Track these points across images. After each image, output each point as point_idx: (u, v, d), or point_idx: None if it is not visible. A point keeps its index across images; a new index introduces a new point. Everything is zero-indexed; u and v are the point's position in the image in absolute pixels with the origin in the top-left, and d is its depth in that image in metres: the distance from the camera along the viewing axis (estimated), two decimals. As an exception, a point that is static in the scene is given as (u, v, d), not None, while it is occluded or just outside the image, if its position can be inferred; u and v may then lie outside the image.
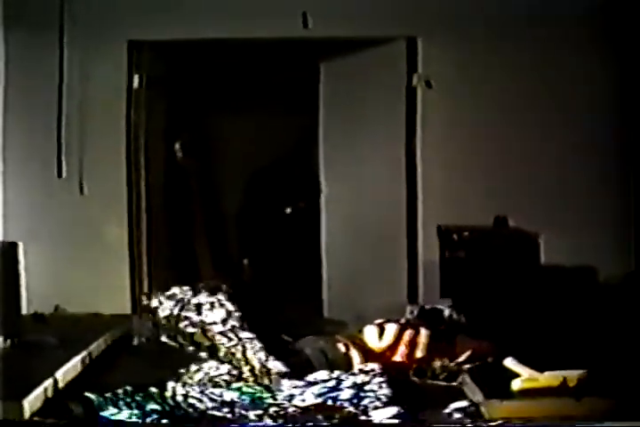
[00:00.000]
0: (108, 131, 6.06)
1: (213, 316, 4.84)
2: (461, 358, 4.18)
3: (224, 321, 4.78)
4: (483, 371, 3.98)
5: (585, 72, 5.92)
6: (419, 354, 4.29)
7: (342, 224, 6.59)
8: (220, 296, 4.95)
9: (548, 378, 3.67)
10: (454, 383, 4.03)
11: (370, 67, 6.33)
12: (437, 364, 4.18)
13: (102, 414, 3.47)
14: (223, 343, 4.62)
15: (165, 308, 5.03)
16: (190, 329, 4.78)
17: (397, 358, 4.27)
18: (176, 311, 4.95)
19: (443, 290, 5.72)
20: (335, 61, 6.66)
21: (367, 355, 4.31)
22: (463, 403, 3.59)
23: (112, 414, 3.46)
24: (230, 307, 4.86)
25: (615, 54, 5.88)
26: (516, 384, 3.67)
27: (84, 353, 4.51)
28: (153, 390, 3.72)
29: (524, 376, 3.72)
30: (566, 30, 5.87)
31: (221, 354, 4.52)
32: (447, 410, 3.54)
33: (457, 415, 3.50)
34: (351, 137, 6.50)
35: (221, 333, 4.69)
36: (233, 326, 4.72)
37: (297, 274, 7.21)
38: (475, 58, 5.95)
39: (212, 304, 4.91)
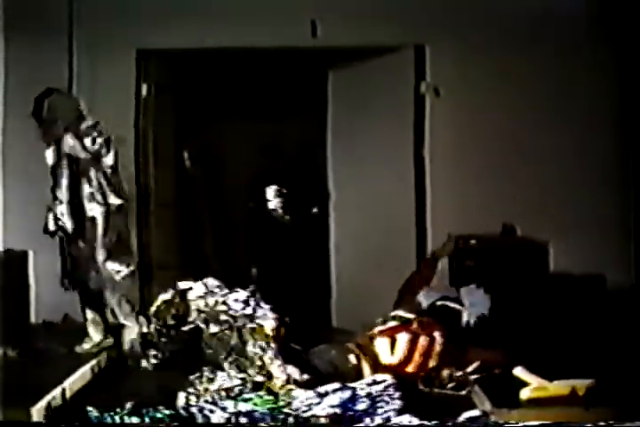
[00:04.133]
0: (117, 139, 6.06)
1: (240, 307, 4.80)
2: (470, 369, 4.16)
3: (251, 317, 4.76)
4: (492, 380, 3.97)
5: (587, 77, 5.92)
6: (432, 364, 4.26)
7: (351, 232, 6.58)
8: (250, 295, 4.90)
9: (557, 387, 3.67)
10: (462, 392, 4.03)
11: (378, 75, 6.33)
12: (445, 373, 4.17)
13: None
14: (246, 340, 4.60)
15: (197, 291, 5.00)
16: (223, 317, 4.75)
17: (410, 369, 4.24)
18: (206, 295, 4.91)
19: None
20: (343, 70, 6.66)
21: (379, 365, 4.29)
22: (475, 412, 3.59)
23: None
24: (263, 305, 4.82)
25: (616, 56, 5.87)
26: (524, 393, 3.66)
27: (92, 362, 4.52)
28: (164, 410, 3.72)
29: (533, 385, 3.72)
30: (570, 34, 5.87)
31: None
32: (460, 419, 3.53)
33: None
34: (359, 145, 6.49)
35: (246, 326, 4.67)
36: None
37: (305, 282, 7.20)
38: (482, 65, 5.94)
39: (243, 300, 4.88)
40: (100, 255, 5.09)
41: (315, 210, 7.54)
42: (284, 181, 8.02)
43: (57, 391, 3.85)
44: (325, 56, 6.51)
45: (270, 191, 8.01)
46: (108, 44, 6.00)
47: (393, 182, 6.23)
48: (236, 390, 4.09)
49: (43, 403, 3.65)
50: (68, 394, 3.95)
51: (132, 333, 5.11)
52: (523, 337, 4.64)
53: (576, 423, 3.36)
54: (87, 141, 5.12)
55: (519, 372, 3.89)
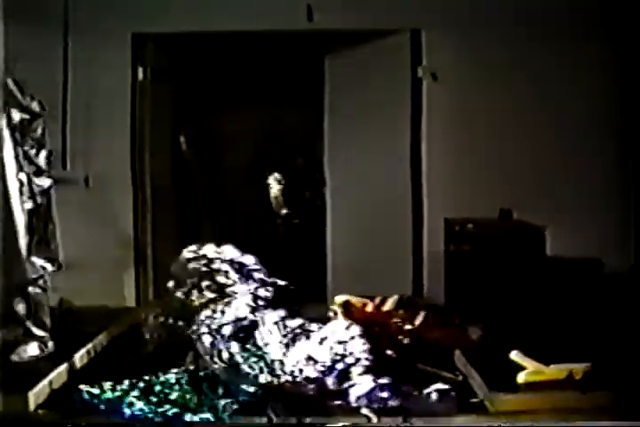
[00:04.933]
0: (113, 123, 6.05)
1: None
2: (418, 321, 4.31)
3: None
4: (488, 364, 3.98)
5: (587, 71, 5.92)
6: (386, 307, 4.44)
7: (347, 217, 6.59)
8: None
9: (554, 371, 3.67)
10: (460, 378, 4.04)
11: (374, 59, 6.32)
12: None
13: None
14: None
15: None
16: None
17: (369, 308, 4.46)
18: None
19: (447, 283, 5.72)
20: (340, 54, 6.65)
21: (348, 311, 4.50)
22: (442, 385, 3.57)
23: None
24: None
25: (617, 53, 5.87)
26: (521, 377, 3.66)
27: (88, 346, 4.51)
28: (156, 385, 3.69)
29: (529, 369, 3.72)
30: (571, 23, 5.88)
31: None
32: (427, 391, 3.50)
33: (435, 396, 3.46)
34: (356, 130, 6.49)
35: None
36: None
37: (302, 266, 7.21)
38: (480, 49, 5.94)
39: None
40: (24, 247, 4.67)
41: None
42: (280, 166, 8.02)
43: (54, 374, 3.85)
44: (321, 40, 6.49)
45: (267, 176, 8.01)
46: (104, 27, 5.99)
47: (390, 167, 6.23)
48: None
49: (39, 387, 3.65)
50: (64, 377, 3.95)
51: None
52: (519, 321, 4.65)
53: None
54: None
55: (515, 356, 3.89)
